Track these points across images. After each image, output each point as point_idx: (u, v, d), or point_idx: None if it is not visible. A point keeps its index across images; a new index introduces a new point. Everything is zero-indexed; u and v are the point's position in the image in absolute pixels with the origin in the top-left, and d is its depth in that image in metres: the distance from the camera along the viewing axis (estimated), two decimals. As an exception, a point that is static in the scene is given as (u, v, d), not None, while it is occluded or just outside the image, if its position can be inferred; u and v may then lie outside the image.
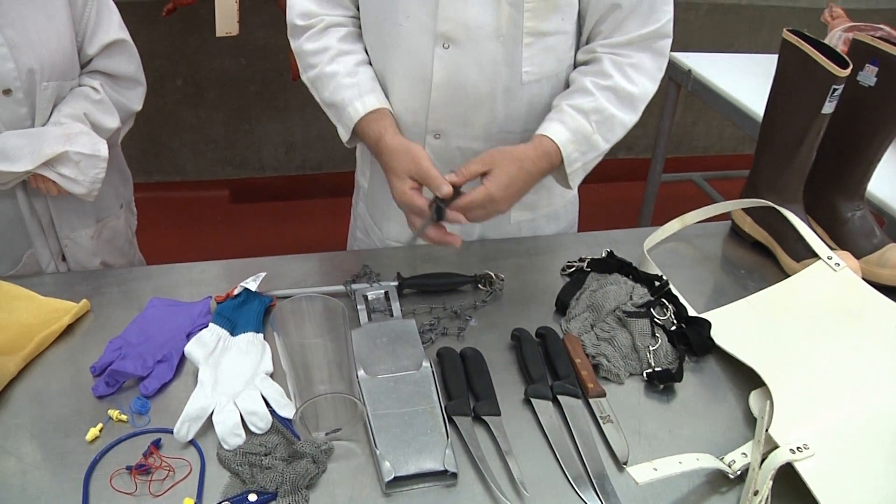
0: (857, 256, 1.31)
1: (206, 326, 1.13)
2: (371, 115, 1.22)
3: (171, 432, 0.96)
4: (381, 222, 1.48)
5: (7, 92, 1.23)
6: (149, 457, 0.94)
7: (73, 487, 0.90)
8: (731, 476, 0.95)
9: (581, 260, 1.32)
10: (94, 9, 1.33)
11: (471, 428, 1.00)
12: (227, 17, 2.34)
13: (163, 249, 1.79)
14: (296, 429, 0.97)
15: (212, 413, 0.99)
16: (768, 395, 1.04)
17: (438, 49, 1.20)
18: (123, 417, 1.00)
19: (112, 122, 1.38)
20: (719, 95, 2.35)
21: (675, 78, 2.58)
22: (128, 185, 1.62)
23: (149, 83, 1.48)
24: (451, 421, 1.00)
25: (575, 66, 1.29)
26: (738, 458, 0.96)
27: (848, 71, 1.20)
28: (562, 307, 1.23)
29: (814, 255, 1.28)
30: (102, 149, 1.30)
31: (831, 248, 1.29)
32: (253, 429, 0.98)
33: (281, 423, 0.98)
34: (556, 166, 1.20)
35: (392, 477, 0.91)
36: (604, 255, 1.33)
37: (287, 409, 1.00)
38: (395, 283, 1.24)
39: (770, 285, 1.26)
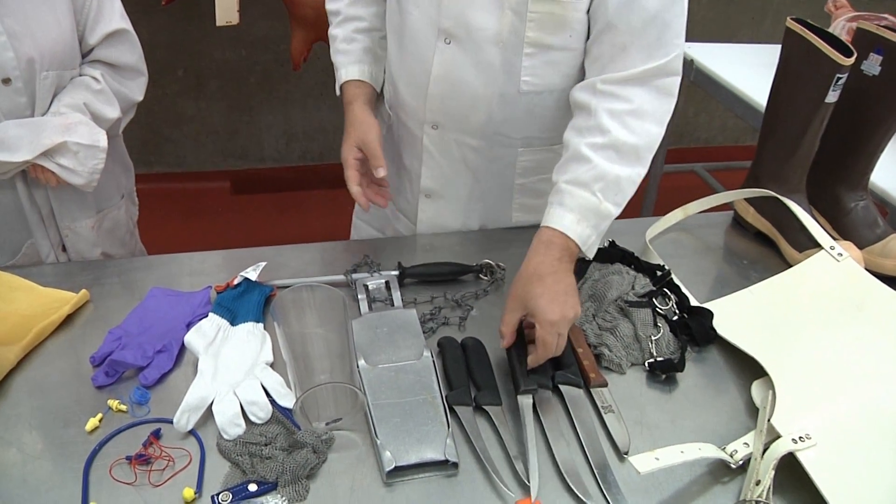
0: (860, 247, 1.31)
1: (206, 316, 1.13)
2: (353, 81, 1.32)
3: (171, 422, 0.96)
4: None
5: (6, 81, 1.22)
6: (148, 447, 0.94)
7: (73, 477, 0.90)
8: (733, 466, 0.95)
9: (583, 250, 1.32)
10: None
11: (472, 418, 1.00)
12: (227, 7, 2.32)
13: (164, 240, 1.79)
14: (296, 419, 0.97)
15: (212, 403, 0.98)
16: (770, 385, 1.03)
17: (440, 43, 1.20)
18: (123, 407, 1.00)
19: (112, 112, 1.37)
20: (722, 86, 2.34)
21: (678, 68, 2.56)
22: (129, 175, 1.61)
23: (149, 74, 1.47)
24: (452, 411, 1.00)
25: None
26: (739, 448, 0.96)
27: (852, 59, 1.20)
28: (563, 297, 1.23)
29: (816, 246, 1.28)
30: (102, 139, 1.29)
31: (834, 239, 1.29)
32: (253, 419, 0.97)
33: (281, 413, 0.98)
34: (573, 248, 1.09)
35: (393, 466, 0.91)
36: (606, 244, 1.33)
37: (287, 399, 1.00)
38: (396, 273, 1.24)
39: (772, 275, 1.26)
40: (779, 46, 1.32)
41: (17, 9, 1.21)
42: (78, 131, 1.26)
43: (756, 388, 1.07)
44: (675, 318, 1.17)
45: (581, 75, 1.21)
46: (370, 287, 1.21)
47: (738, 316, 1.18)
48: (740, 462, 0.95)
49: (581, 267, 1.28)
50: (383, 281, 1.22)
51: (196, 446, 0.95)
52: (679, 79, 1.13)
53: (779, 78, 1.33)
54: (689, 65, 2.49)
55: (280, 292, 1.12)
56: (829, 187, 1.39)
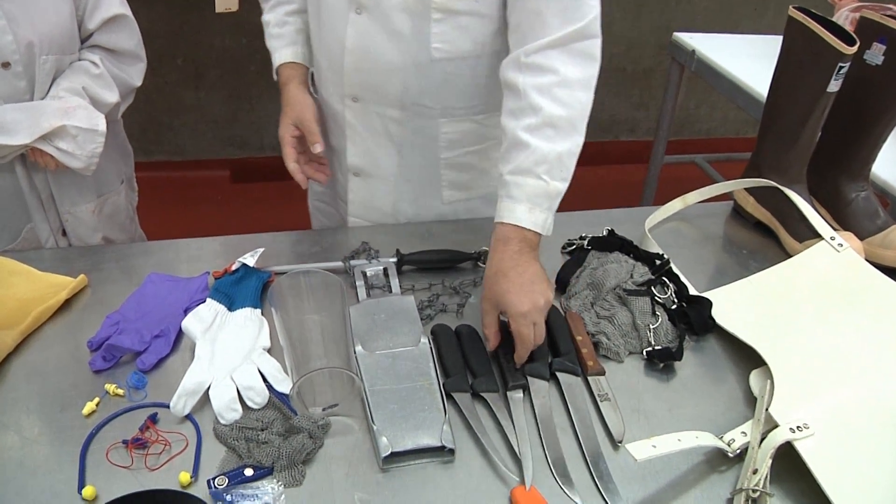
0: (861, 237, 1.30)
1: (204, 302, 1.12)
2: (287, 63, 1.37)
3: (168, 407, 0.96)
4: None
5: (6, 65, 1.22)
6: (145, 431, 0.94)
7: (69, 461, 0.90)
8: (731, 455, 0.95)
9: (582, 238, 1.31)
10: None
11: (471, 404, 0.99)
12: (226, -6, 2.32)
13: (163, 229, 1.78)
14: (292, 404, 0.97)
15: (208, 388, 0.98)
16: (769, 375, 1.03)
17: (352, 14, 1.20)
18: (120, 392, 0.99)
19: (111, 96, 1.37)
20: (723, 76, 2.33)
21: (679, 59, 2.55)
22: (129, 160, 1.61)
23: (148, 62, 1.47)
24: (450, 397, 1.00)
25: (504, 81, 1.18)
26: (737, 437, 0.96)
27: (855, 48, 1.19)
28: (562, 285, 1.23)
29: (816, 236, 1.27)
30: (100, 123, 1.29)
31: (834, 229, 1.28)
32: (250, 404, 0.97)
33: (278, 399, 0.98)
34: (531, 236, 1.08)
35: (389, 452, 0.91)
36: (605, 233, 1.32)
37: (284, 385, 1.00)
38: (395, 260, 1.24)
39: (772, 266, 1.25)
40: (781, 38, 1.31)
41: None
42: (77, 115, 1.26)
43: (754, 378, 1.07)
44: (674, 306, 1.17)
45: (494, 43, 1.22)
46: (368, 274, 1.21)
47: (737, 305, 1.18)
48: (737, 451, 0.95)
49: (579, 255, 1.28)
50: (381, 268, 1.22)
51: (193, 431, 0.95)
52: (599, 42, 1.12)
53: (780, 67, 1.33)
54: (690, 55, 2.49)
55: (278, 278, 1.12)
56: (829, 177, 1.39)
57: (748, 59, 2.36)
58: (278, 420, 0.95)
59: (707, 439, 0.94)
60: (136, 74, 1.45)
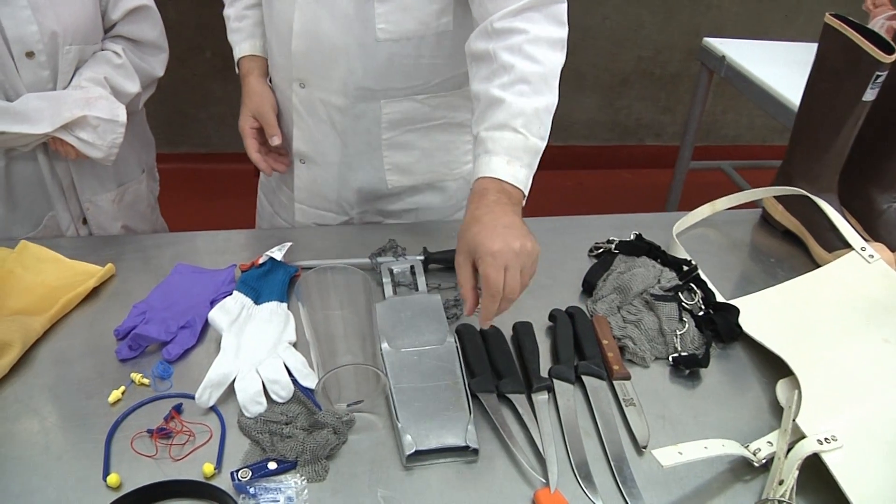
0: (892, 249, 1.29)
1: (231, 294, 1.13)
2: (247, 56, 1.41)
3: (193, 398, 0.96)
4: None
5: (30, 54, 1.23)
6: (170, 421, 0.94)
7: (94, 448, 0.91)
8: (756, 464, 0.94)
9: (609, 241, 1.31)
10: None
11: (497, 405, 0.99)
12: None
13: (187, 221, 1.79)
14: (317, 399, 0.97)
15: (234, 380, 0.99)
16: (796, 385, 1.02)
17: None
18: (146, 381, 1.00)
19: (132, 86, 1.38)
20: (753, 83, 2.32)
21: (708, 64, 2.54)
22: (150, 150, 1.62)
23: (177, 54, 1.48)
24: (475, 398, 1.00)
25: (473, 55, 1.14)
26: (763, 447, 0.95)
27: (893, 56, 1.17)
28: (588, 288, 1.22)
29: (847, 246, 1.26)
30: (121, 114, 1.30)
31: (865, 240, 1.27)
32: (275, 397, 0.97)
33: (303, 393, 0.98)
34: (510, 189, 1.02)
35: (413, 451, 0.90)
36: (632, 237, 1.31)
37: (309, 380, 1.00)
38: (421, 258, 1.24)
39: (800, 275, 1.24)
40: (813, 45, 1.29)
41: None
42: (98, 105, 1.27)
43: (781, 388, 1.06)
44: (701, 313, 1.16)
45: (438, 22, 1.21)
46: (395, 271, 1.21)
47: (764, 314, 1.17)
48: (763, 461, 0.94)
49: (606, 259, 1.27)
50: (408, 265, 1.22)
51: (217, 422, 0.95)
52: (565, 7, 1.10)
53: (815, 74, 1.31)
54: (720, 61, 2.47)
55: (304, 273, 1.12)
56: (861, 187, 1.37)
57: (779, 66, 2.34)
58: (303, 414, 0.95)
59: (733, 448, 0.93)
60: (158, 65, 1.46)
